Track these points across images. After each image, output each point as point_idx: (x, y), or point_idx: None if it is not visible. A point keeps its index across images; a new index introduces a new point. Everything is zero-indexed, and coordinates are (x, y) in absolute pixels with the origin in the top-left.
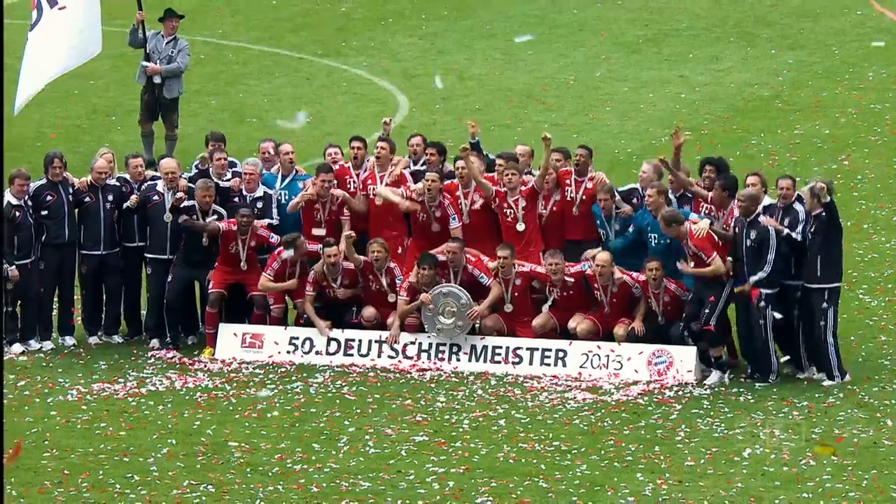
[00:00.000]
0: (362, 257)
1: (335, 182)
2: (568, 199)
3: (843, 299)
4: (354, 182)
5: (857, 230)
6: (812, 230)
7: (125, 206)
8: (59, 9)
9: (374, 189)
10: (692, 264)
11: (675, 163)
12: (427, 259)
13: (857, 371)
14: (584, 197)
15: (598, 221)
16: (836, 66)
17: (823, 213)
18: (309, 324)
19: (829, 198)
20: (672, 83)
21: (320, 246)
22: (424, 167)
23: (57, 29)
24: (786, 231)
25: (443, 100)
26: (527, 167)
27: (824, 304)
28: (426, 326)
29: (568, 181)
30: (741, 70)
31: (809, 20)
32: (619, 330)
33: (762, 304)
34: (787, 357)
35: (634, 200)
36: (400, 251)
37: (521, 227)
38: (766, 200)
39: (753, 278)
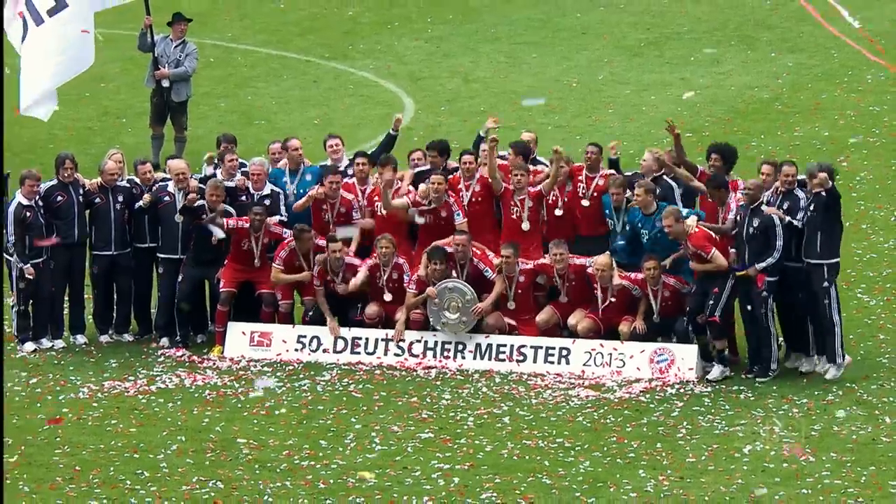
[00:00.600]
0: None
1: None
2: (579, 194)
3: (842, 298)
4: (359, 200)
5: (856, 230)
6: (812, 208)
7: (137, 205)
8: (83, 31)
9: (380, 207)
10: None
11: (679, 153)
12: (437, 253)
13: (855, 369)
14: (594, 193)
15: (608, 212)
16: (835, 68)
17: (824, 192)
18: (316, 322)
19: (830, 184)
20: (673, 86)
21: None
22: (429, 166)
23: (47, 42)
24: (787, 219)
25: (448, 102)
26: (531, 153)
27: (825, 283)
28: (432, 320)
29: (580, 177)
30: (741, 73)
31: (809, 24)
32: (624, 327)
33: (764, 293)
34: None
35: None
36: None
37: (525, 226)
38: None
39: (762, 264)
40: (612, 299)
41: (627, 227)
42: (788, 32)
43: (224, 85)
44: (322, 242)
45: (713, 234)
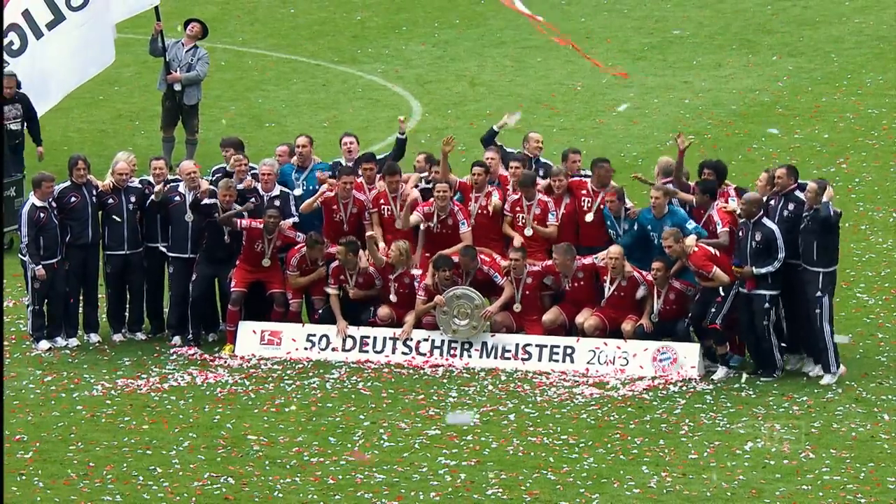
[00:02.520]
0: (384, 257)
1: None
2: (585, 207)
3: (842, 297)
4: (366, 199)
5: (855, 231)
6: (809, 219)
7: (151, 198)
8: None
9: (386, 210)
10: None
11: (678, 169)
12: (442, 261)
13: (855, 367)
14: (601, 206)
15: (609, 222)
16: (835, 72)
17: (821, 213)
18: (324, 321)
19: (829, 209)
20: (676, 89)
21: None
22: (430, 185)
23: (46, 54)
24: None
25: (455, 105)
26: (538, 152)
27: (818, 293)
28: (442, 329)
29: (584, 191)
30: (743, 76)
31: (809, 28)
32: (627, 326)
33: (766, 305)
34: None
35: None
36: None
37: (528, 232)
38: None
39: (761, 270)
40: (621, 293)
41: (635, 228)
42: (789, 37)
43: (235, 88)
44: (333, 250)
45: (713, 251)
